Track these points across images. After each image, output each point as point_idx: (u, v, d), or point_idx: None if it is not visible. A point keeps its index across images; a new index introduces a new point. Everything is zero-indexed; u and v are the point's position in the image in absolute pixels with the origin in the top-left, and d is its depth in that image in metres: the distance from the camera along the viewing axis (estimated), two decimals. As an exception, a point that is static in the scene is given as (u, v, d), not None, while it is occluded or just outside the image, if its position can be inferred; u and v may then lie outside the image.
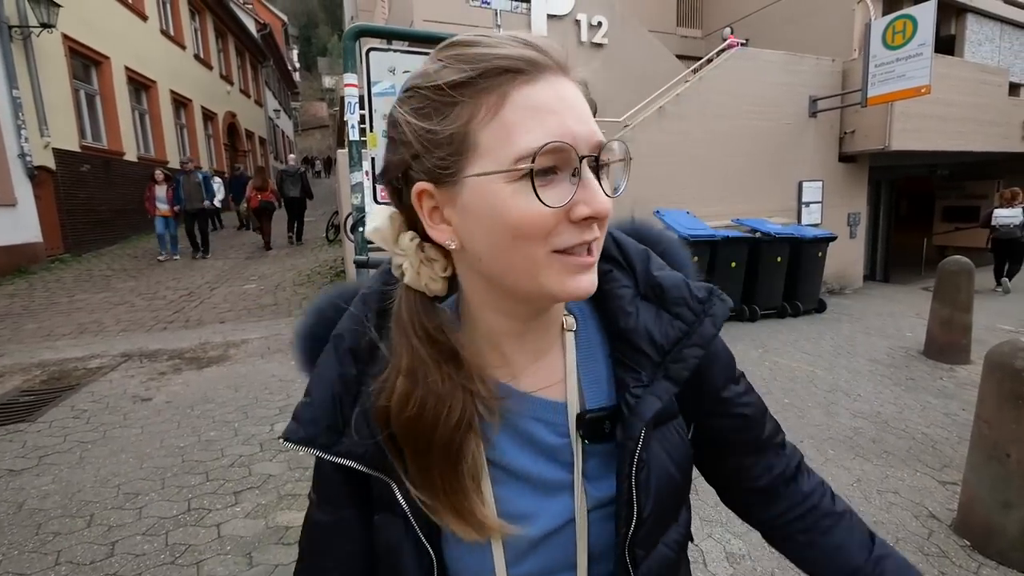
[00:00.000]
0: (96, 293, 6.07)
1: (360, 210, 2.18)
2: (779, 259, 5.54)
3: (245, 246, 9.32)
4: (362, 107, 2.18)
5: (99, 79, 8.68)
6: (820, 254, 5.76)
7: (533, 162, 0.34)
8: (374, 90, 2.15)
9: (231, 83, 15.15)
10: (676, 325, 0.44)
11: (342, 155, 5.39)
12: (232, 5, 15.23)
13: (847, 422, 3.14)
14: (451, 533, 0.41)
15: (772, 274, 5.54)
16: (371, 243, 2.16)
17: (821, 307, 5.92)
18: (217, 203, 9.08)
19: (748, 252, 5.40)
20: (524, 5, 3.98)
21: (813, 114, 6.80)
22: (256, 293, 6.34)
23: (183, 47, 11.81)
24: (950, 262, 4.27)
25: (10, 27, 6.55)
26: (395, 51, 2.19)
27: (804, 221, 6.68)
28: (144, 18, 10.07)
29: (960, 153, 7.92)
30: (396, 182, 0.40)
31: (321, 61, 38.87)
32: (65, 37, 7.52)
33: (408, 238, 0.41)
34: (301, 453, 0.42)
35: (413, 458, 0.40)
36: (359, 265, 2.00)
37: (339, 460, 0.42)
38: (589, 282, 0.39)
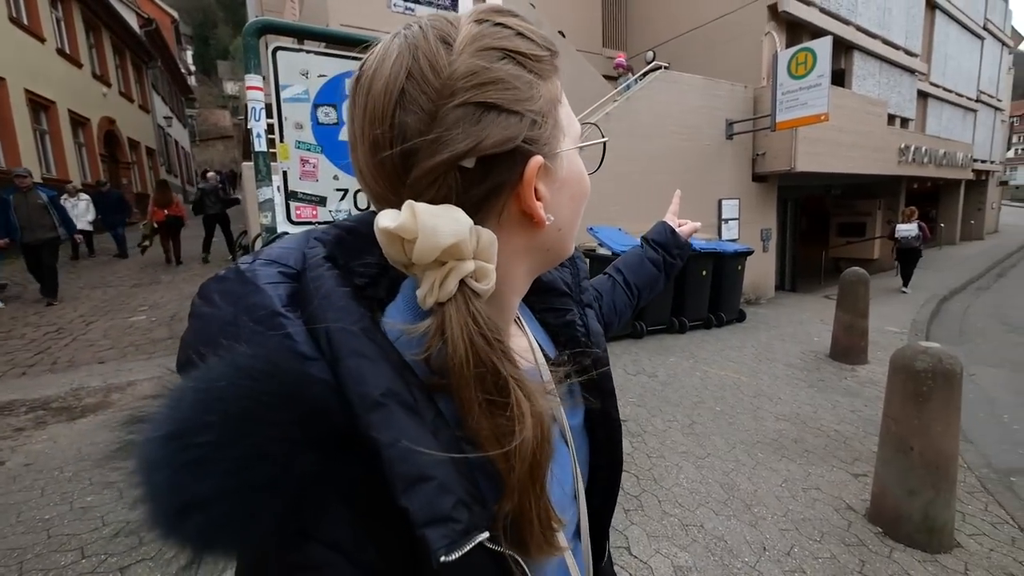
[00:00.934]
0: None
1: (271, 231, 1.95)
2: (704, 273, 5.93)
3: (130, 271, 8.05)
4: (269, 115, 1.97)
5: None
6: (740, 267, 6.26)
7: (581, 137, 0.42)
8: (283, 95, 1.95)
9: (107, 84, 13.21)
10: (565, 271, 0.57)
11: (247, 168, 4.97)
12: None
13: (772, 425, 3.40)
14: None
15: (698, 287, 5.92)
16: None
17: (741, 317, 6.44)
18: (86, 225, 8.00)
19: (676, 267, 5.72)
20: (451, 15, 3.96)
21: (730, 136, 7.45)
22: (146, 326, 5.52)
23: (41, 39, 10.09)
24: (850, 273, 4.75)
25: None
26: (308, 52, 2.01)
27: (724, 237, 7.27)
28: None
29: (850, 175, 9.09)
30: (490, 162, 0.34)
31: (222, 65, 35.60)
32: None
33: (539, 214, 0.37)
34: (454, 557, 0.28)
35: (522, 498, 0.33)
36: None
37: (499, 548, 0.32)
38: None
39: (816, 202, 12.16)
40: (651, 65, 7.19)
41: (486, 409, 0.32)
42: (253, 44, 1.89)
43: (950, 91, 14.28)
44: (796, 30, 8.68)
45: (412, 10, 3.64)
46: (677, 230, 0.92)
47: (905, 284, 8.76)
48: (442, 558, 0.28)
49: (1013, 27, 19.05)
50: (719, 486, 2.66)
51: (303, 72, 1.97)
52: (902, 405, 2.21)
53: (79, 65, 11.63)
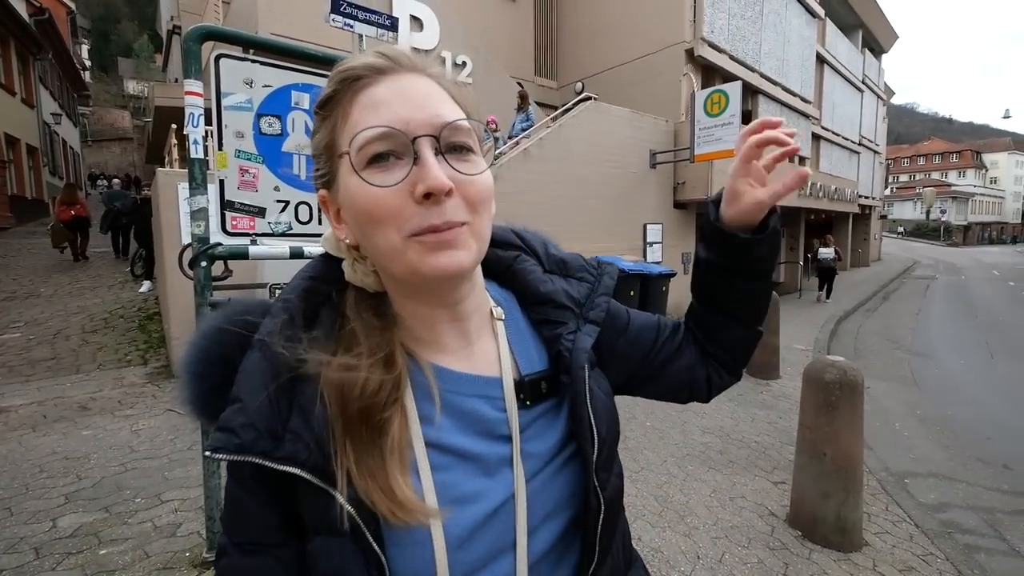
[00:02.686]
0: None
1: (203, 241, 1.97)
2: (632, 293, 6.51)
3: (0, 281, 7.30)
4: (208, 122, 2.01)
5: None
6: (664, 288, 6.94)
7: (355, 149, 0.41)
8: (225, 103, 2.00)
9: None
10: (584, 285, 0.59)
11: (163, 175, 4.74)
12: None
13: (699, 438, 3.68)
14: (389, 528, 0.42)
15: (627, 306, 6.47)
16: (218, 279, 1.99)
17: (667, 336, 7.09)
18: None
19: (606, 287, 6.24)
20: (390, 34, 4.19)
21: (653, 165, 8.34)
22: (22, 344, 5.08)
23: None
24: None
25: None
26: (254, 61, 2.07)
27: (649, 259, 8.05)
28: None
29: (759, 205, 10.40)
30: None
31: (123, 62, 34.41)
32: None
33: (342, 241, 0.48)
34: (230, 459, 0.40)
35: (346, 435, 0.42)
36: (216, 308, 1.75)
37: (283, 467, 0.41)
38: (448, 259, 0.42)
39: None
40: (581, 96, 7.88)
41: (344, 346, 0.45)
42: (195, 50, 1.98)
43: (838, 135, 17.04)
44: (710, 73, 10.00)
45: (351, 26, 3.82)
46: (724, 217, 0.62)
47: (828, 296, 11.39)
48: (207, 453, 0.41)
49: (886, 83, 23.27)
50: (654, 499, 2.82)
51: (247, 81, 2.05)
52: (815, 414, 2.47)
53: None
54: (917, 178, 57.88)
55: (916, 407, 4.97)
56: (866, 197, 19.93)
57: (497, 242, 0.59)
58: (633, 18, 10.20)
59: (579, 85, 9.36)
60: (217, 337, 0.47)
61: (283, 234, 2.17)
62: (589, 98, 7.76)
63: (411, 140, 0.41)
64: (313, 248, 2.13)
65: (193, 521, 2.35)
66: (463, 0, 10.02)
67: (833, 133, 16.65)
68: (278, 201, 2.14)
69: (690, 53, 9.41)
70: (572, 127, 7.23)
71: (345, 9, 3.78)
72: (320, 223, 2.20)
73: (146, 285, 7.27)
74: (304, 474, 0.41)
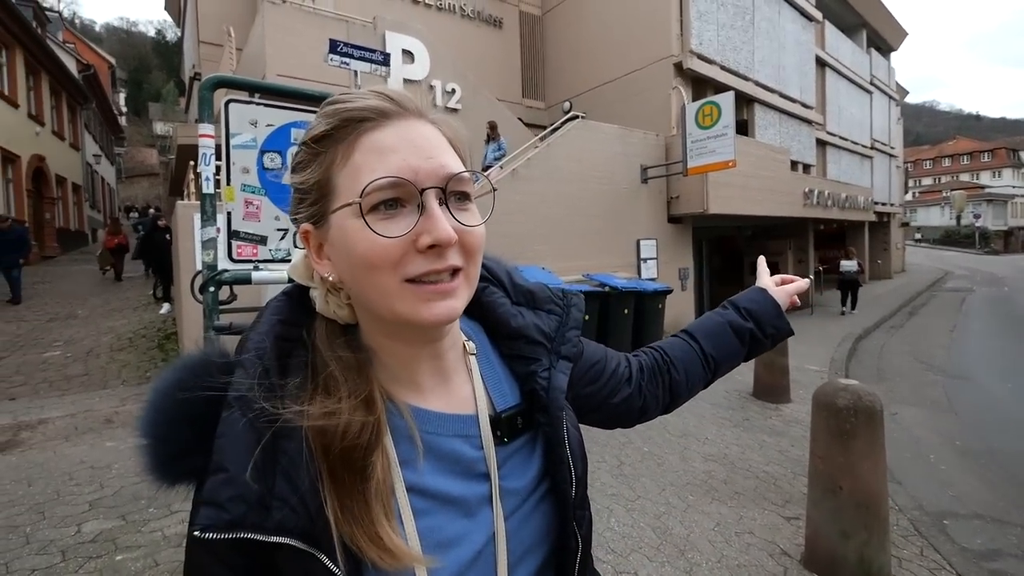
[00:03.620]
0: None
1: (212, 268, 2.45)
2: (626, 311, 6.98)
3: (45, 305, 8.82)
4: (218, 159, 2.48)
5: None
6: (660, 306, 7.41)
7: (362, 196, 0.44)
8: (233, 142, 2.49)
9: (41, 124, 15.61)
10: (552, 318, 0.63)
11: (181, 206, 5.40)
12: (50, 43, 16.55)
13: (700, 466, 3.67)
14: (373, 572, 0.44)
15: (621, 325, 6.95)
16: (224, 303, 2.49)
17: (664, 354, 7.53)
18: None
19: (599, 305, 6.72)
20: (383, 69, 4.83)
21: (644, 180, 8.97)
22: (60, 362, 5.93)
23: None
24: None
25: None
26: (258, 104, 2.57)
27: (643, 276, 8.57)
28: None
29: (759, 217, 11.03)
30: (295, 225, 0.53)
31: (153, 107, 40.72)
32: None
33: (316, 272, 0.52)
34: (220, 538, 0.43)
35: (329, 482, 0.45)
36: (220, 331, 2.19)
37: (275, 539, 0.42)
38: (445, 308, 0.47)
39: (729, 242, 14.33)
40: (569, 115, 8.58)
41: (321, 392, 0.47)
42: (208, 97, 2.48)
43: (846, 139, 17.76)
44: (701, 85, 10.74)
45: (347, 64, 4.47)
46: (774, 292, 0.89)
47: (853, 307, 12.24)
48: (196, 532, 0.41)
49: (898, 83, 23.88)
50: (651, 530, 2.82)
51: (252, 121, 2.56)
52: (827, 443, 2.39)
53: (16, 105, 14.10)
54: (943, 181, 58.18)
55: (954, 437, 4.76)
56: (883, 204, 20.49)
57: None
58: (618, 36, 11.04)
59: (567, 104, 10.14)
60: (179, 396, 0.46)
61: (282, 260, 2.67)
62: (576, 116, 8.44)
63: (419, 191, 0.46)
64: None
65: None
66: (451, 30, 11.10)
67: (840, 138, 17.35)
68: (278, 229, 2.66)
69: (679, 67, 10.16)
70: (560, 146, 7.89)
71: (342, 49, 4.46)
72: (315, 249, 2.71)
73: (165, 307, 8.69)
74: (294, 542, 0.43)
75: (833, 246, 17.67)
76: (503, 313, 0.62)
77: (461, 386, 0.57)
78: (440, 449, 0.52)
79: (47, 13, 21.43)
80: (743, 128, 11.85)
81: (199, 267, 5.33)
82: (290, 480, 0.44)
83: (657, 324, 7.41)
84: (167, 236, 9.08)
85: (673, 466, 3.68)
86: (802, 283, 0.94)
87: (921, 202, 53.20)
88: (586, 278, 7.36)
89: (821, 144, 16.09)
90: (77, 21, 48.84)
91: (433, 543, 0.48)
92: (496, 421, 0.56)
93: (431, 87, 8.73)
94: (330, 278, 0.50)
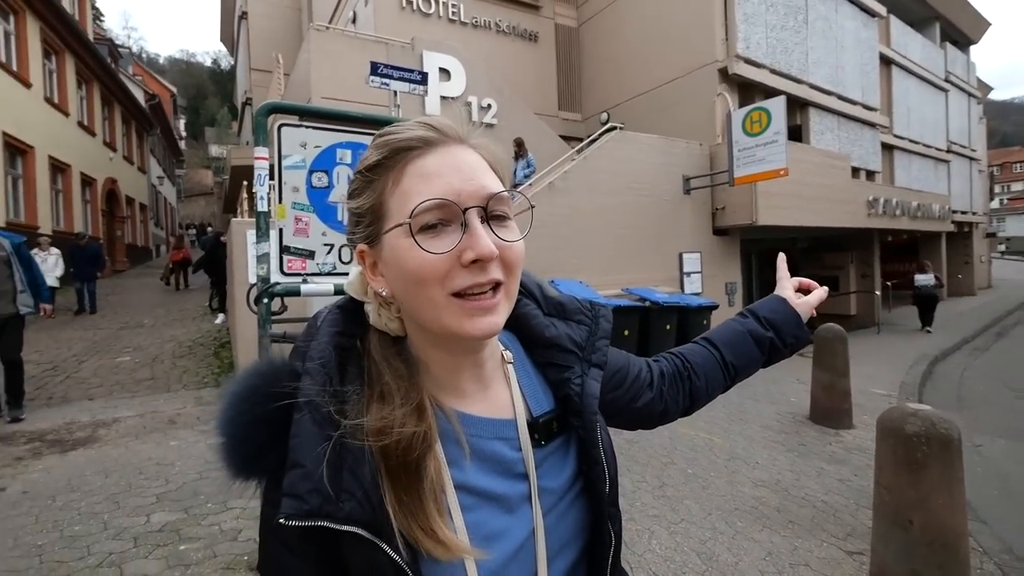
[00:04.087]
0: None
1: (265, 281, 2.77)
2: (668, 327, 7.03)
3: (116, 315, 9.99)
4: (271, 179, 2.80)
5: None
6: (705, 322, 7.40)
7: (411, 217, 0.52)
8: (284, 163, 2.82)
9: (114, 150, 17.78)
10: (582, 328, 0.70)
11: (235, 223, 6.03)
12: (121, 76, 18.92)
13: (750, 491, 3.61)
14: (428, 562, 0.52)
15: (663, 342, 6.99)
16: (276, 313, 2.82)
17: (710, 371, 7.46)
18: (53, 282, 8.73)
19: (639, 320, 6.81)
20: (421, 88, 5.23)
21: (687, 191, 9.01)
22: (130, 366, 6.71)
23: (67, 114, 14.10)
24: (824, 330, 5.26)
25: None
26: (307, 127, 2.89)
27: (687, 290, 8.57)
28: (28, 85, 12.10)
29: (817, 228, 10.77)
30: (352, 245, 0.62)
31: (208, 131, 45.24)
32: None
33: (370, 288, 0.60)
34: (297, 525, 0.50)
35: (388, 480, 0.52)
36: (275, 340, 2.43)
37: (346, 528, 0.50)
38: (487, 324, 0.54)
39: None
40: (606, 126, 8.79)
41: (377, 400, 0.54)
42: (262, 122, 2.82)
43: (917, 143, 17.00)
44: (748, 90, 10.72)
45: (387, 84, 4.89)
46: (795, 304, 0.93)
47: (929, 325, 11.80)
48: (280, 520, 0.49)
49: (979, 78, 22.44)
50: (696, 555, 2.82)
51: (302, 143, 2.88)
52: (895, 473, 2.30)
53: (93, 134, 16.02)
54: (1036, 186, 54.77)
55: (1051, 474, 4.51)
56: (963, 212, 19.38)
57: None
58: (658, 44, 11.19)
59: (604, 115, 10.36)
60: (255, 398, 0.54)
61: (328, 273, 3.00)
62: (614, 127, 8.64)
63: (463, 210, 0.52)
64: (352, 284, 2.94)
65: (251, 529, 3.01)
66: (487, 46, 11.64)
67: (910, 141, 16.65)
68: (325, 244, 2.98)
69: (724, 72, 10.19)
70: (598, 158, 8.10)
71: (382, 71, 4.88)
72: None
73: (220, 318, 9.56)
74: (361, 531, 0.50)
75: (904, 259, 16.86)
76: (537, 324, 0.69)
77: (500, 392, 0.64)
78: (483, 451, 0.59)
79: (119, 49, 24.13)
80: (796, 134, 11.67)
81: (251, 280, 5.89)
82: (355, 476, 0.51)
83: (702, 340, 7.38)
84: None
85: (720, 490, 3.66)
86: (822, 292, 0.98)
87: (1010, 210, 49.70)
88: (626, 292, 7.46)
89: (887, 148, 15.50)
90: (144, 55, 53.99)
91: (479, 536, 0.55)
92: (533, 425, 0.63)
93: (467, 103, 9.22)
94: (383, 293, 0.58)
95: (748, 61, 10.42)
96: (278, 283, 2.85)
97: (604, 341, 0.71)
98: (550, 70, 12.88)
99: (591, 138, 8.78)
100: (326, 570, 0.53)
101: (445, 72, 8.98)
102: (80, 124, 15.02)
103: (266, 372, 0.57)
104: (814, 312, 0.96)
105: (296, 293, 2.86)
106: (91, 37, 16.44)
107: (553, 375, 0.68)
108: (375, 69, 4.91)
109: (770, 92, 10.40)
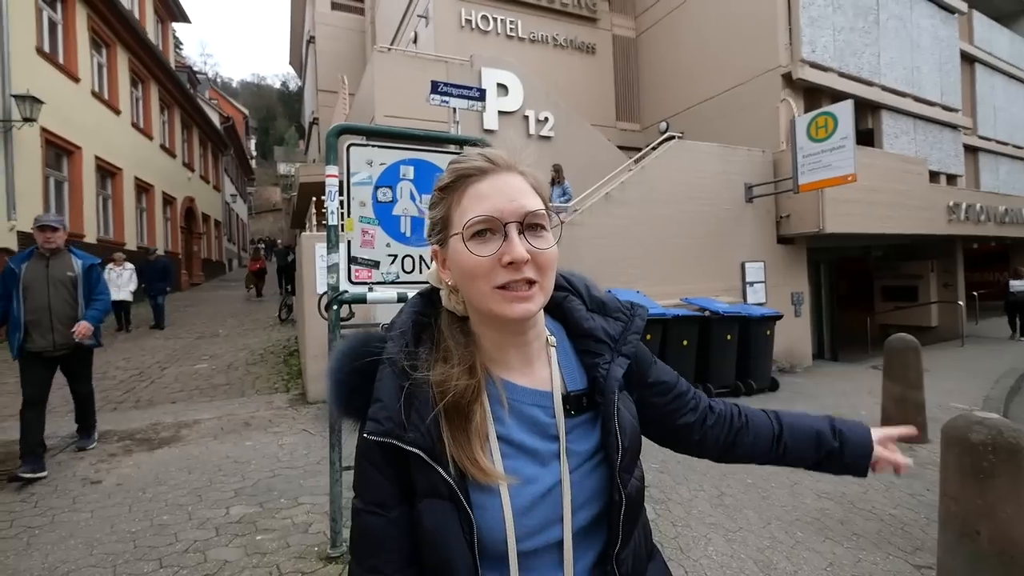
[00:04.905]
0: (42, 373, 6.78)
1: (335, 289, 2.93)
2: (729, 337, 6.80)
3: (194, 325, 10.87)
4: (341, 194, 2.97)
5: (70, 167, 11.04)
6: (768, 332, 7.11)
7: (465, 228, 0.68)
8: (352, 180, 2.98)
9: (192, 170, 19.09)
10: (618, 324, 0.83)
11: (305, 237, 6.38)
12: (199, 101, 20.36)
13: (813, 503, 3.57)
14: (475, 493, 0.68)
15: (723, 352, 6.76)
16: (344, 319, 2.96)
17: (774, 385, 7.17)
18: (127, 295, 9.53)
19: (699, 330, 6.64)
20: (479, 104, 5.36)
21: (750, 199, 8.72)
22: (208, 373, 7.24)
23: (151, 138, 15.29)
24: (896, 340, 5.13)
25: None
26: (373, 146, 3.06)
27: (750, 300, 8.24)
28: (117, 112, 13.16)
29: (891, 235, 10.12)
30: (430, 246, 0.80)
31: (277, 150, 48.62)
32: (43, 130, 9.66)
33: (444, 278, 0.77)
34: (371, 440, 0.69)
35: (445, 421, 0.69)
36: None
37: (411, 448, 0.67)
38: (523, 309, 0.68)
39: (855, 264, 13.14)
40: (665, 135, 8.68)
41: (441, 360, 0.72)
42: (333, 143, 2.99)
43: (1004, 144, 15.69)
44: (814, 95, 10.29)
45: (447, 102, 5.05)
46: (875, 438, 1.00)
47: (1022, 334, 11.77)
48: (364, 435, 0.69)
49: None
50: (753, 563, 2.80)
51: (368, 161, 3.05)
52: (961, 483, 2.28)
53: (173, 156, 17.33)
54: None
55: None
56: (1063, 216, 17.69)
57: None
58: (719, 51, 10.95)
59: (663, 124, 10.23)
60: (353, 355, 0.74)
61: (392, 282, 3.13)
62: (673, 137, 8.52)
63: (503, 224, 0.68)
64: (415, 293, 3.06)
65: (320, 523, 3.21)
66: (544, 60, 11.79)
67: (997, 142, 15.42)
68: (389, 255, 3.11)
69: (787, 77, 9.84)
70: (656, 167, 7.99)
71: (442, 89, 5.05)
72: (420, 272, 3.15)
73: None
74: (421, 454, 0.67)
75: (993, 268, 15.53)
76: (579, 317, 0.83)
77: (541, 369, 0.78)
78: (522, 413, 0.74)
79: (197, 76, 26.21)
80: (867, 138, 11.07)
81: (319, 290, 6.18)
82: (420, 415, 0.68)
83: (765, 352, 7.10)
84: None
85: (780, 500, 3.63)
86: (908, 430, 1.06)
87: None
88: (685, 302, 7.29)
89: (971, 151, 14.43)
90: (219, 80, 57.34)
91: (515, 480, 0.70)
92: (566, 397, 0.76)
93: (525, 117, 9.33)
94: (450, 283, 0.76)
95: (814, 65, 10.02)
96: (346, 291, 3.00)
97: (635, 335, 0.83)
98: (608, 81, 12.88)
99: (650, 147, 8.70)
100: (397, 483, 0.71)
101: (503, 87, 9.15)
102: (162, 147, 16.23)
103: (363, 337, 0.77)
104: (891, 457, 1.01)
105: (363, 301, 3.00)
106: (172, 65, 17.68)
107: (587, 360, 0.80)
108: (435, 87, 5.08)
109: (838, 96, 9.91)
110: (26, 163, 9.26)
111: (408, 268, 3.14)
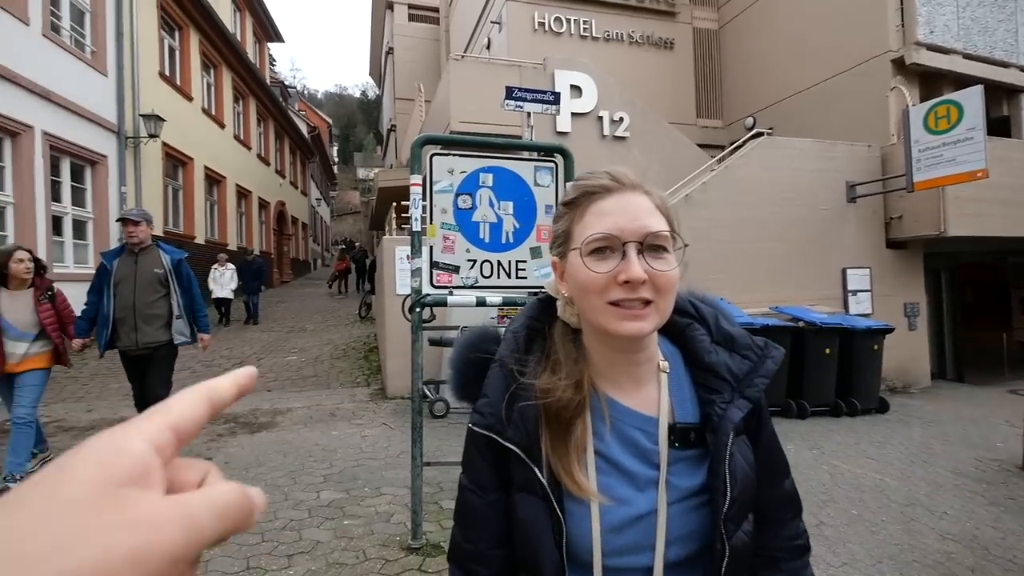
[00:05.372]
0: (163, 360, 8.01)
1: (418, 292, 3.09)
2: (828, 351, 6.31)
3: (285, 319, 12.13)
4: (423, 199, 3.13)
5: (184, 176, 12.65)
6: (876, 347, 6.51)
7: (584, 244, 0.71)
8: (435, 188, 3.15)
9: (283, 176, 21.31)
10: (746, 363, 0.79)
11: (387, 240, 6.84)
12: (290, 113, 22.72)
13: (935, 544, 3.28)
14: (567, 500, 0.71)
15: (821, 367, 6.28)
16: (427, 322, 3.07)
17: (883, 407, 6.56)
18: (228, 293, 10.76)
19: (792, 342, 6.21)
20: (554, 107, 5.40)
21: (852, 199, 8.07)
22: (297, 365, 8.10)
23: (249, 148, 17.15)
24: None
25: (127, 137, 9.92)
26: (454, 155, 3.24)
27: (852, 311, 7.62)
28: (222, 126, 14.88)
29: (1033, 239, 8.89)
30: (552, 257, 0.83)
31: (356, 155, 52.42)
32: (164, 144, 11.09)
33: (561, 289, 0.80)
34: (478, 432, 0.77)
35: (546, 428, 0.72)
36: (434, 343, 2.72)
37: (508, 444, 0.73)
38: (635, 327, 0.69)
39: (986, 272, 11.67)
40: (752, 132, 8.24)
41: (550, 369, 0.76)
42: (418, 153, 3.16)
43: None
44: (932, 81, 9.32)
45: (522, 107, 5.13)
46: None
47: None
48: (469, 425, 0.79)
49: None
50: None
51: (449, 170, 3.20)
52: None
53: (268, 164, 19.30)
54: None
55: None
56: None
57: (675, 308, 0.77)
58: (815, 38, 10.25)
59: (749, 120, 9.71)
60: (470, 349, 0.85)
61: (471, 286, 3.21)
62: (761, 133, 8.07)
63: (622, 243, 0.69)
64: (493, 298, 3.13)
65: (401, 514, 3.41)
66: (619, 58, 11.64)
67: None
68: (468, 260, 3.21)
69: (899, 63, 8.99)
70: (741, 167, 7.64)
71: (516, 94, 5.14)
72: (498, 277, 3.21)
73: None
74: (518, 451, 0.73)
75: None
76: (700, 348, 0.80)
77: (650, 393, 0.77)
78: (623, 433, 0.75)
79: (288, 90, 28.55)
80: (1003, 127, 9.85)
81: (397, 291, 6.48)
82: (522, 416, 0.74)
83: (871, 369, 6.51)
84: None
85: (893, 538, 3.35)
86: None
87: None
88: (774, 311, 6.86)
89: None
90: (306, 92, 62.02)
91: (607, 496, 0.72)
92: (673, 428, 0.75)
93: (599, 118, 9.23)
94: (566, 295, 0.78)
95: (932, 48, 9.07)
96: (429, 294, 3.14)
97: (763, 380, 0.78)
98: (687, 77, 12.50)
99: (734, 145, 8.30)
100: (495, 471, 0.77)
101: (576, 89, 9.12)
102: (258, 156, 18.01)
103: (482, 333, 0.87)
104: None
105: (443, 304, 3.15)
106: (268, 81, 19.66)
107: (704, 394, 0.77)
108: (510, 93, 5.16)
109: (963, 81, 8.92)
110: (150, 174, 10.65)
111: (487, 273, 3.23)
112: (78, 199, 9.04)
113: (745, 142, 8.13)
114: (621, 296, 0.68)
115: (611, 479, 0.73)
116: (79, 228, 9.04)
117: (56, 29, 8.41)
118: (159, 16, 11.27)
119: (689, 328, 0.82)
